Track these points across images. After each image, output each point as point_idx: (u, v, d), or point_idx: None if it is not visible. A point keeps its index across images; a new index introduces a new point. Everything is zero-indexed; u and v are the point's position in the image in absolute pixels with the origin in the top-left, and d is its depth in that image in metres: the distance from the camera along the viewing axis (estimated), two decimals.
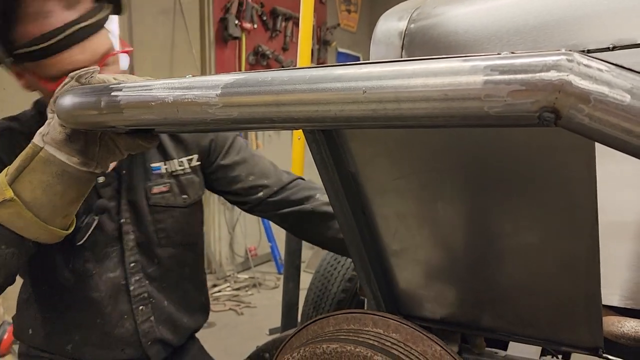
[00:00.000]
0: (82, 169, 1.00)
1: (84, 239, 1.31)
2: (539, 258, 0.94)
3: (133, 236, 1.41)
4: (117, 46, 1.24)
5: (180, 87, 0.68)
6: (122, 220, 1.39)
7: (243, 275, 6.17)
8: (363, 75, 0.55)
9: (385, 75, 0.54)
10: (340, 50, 8.27)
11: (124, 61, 1.28)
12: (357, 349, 0.79)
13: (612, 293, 1.11)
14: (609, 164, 1.09)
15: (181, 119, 0.69)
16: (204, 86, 0.66)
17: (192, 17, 5.84)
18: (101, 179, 1.36)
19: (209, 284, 5.52)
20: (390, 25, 1.38)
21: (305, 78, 0.59)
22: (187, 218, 1.50)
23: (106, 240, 1.38)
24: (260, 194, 1.51)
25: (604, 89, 0.44)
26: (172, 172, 1.45)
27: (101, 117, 0.78)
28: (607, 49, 1.05)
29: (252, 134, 6.53)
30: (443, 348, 0.82)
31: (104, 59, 1.20)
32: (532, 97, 0.47)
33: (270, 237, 6.25)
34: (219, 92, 0.64)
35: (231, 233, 6.52)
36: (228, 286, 5.64)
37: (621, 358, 0.99)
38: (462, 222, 0.99)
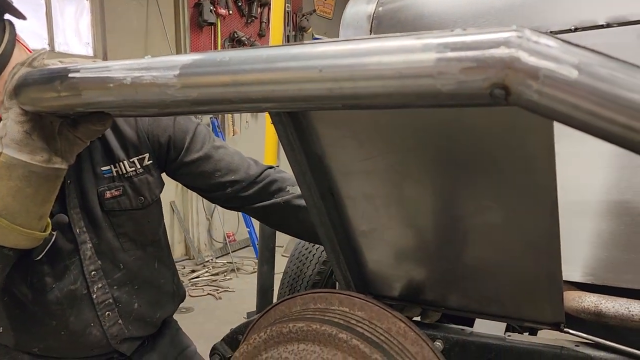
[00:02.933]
0: (48, 166, 0.96)
1: (42, 254, 1.24)
2: (501, 237, 0.96)
3: (90, 244, 1.35)
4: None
5: (138, 68, 0.67)
6: (77, 231, 1.33)
7: (221, 261, 6.17)
8: (319, 54, 0.55)
9: (341, 54, 0.54)
10: (317, 36, 8.22)
11: None
12: (323, 327, 0.79)
13: (573, 269, 1.14)
14: (571, 144, 1.11)
15: (140, 100, 0.69)
16: (163, 67, 0.65)
17: (166, 3, 5.75)
18: None
19: (188, 269, 5.51)
20: (359, 8, 1.38)
21: (262, 58, 0.58)
22: (147, 218, 1.45)
23: (63, 253, 1.32)
24: (229, 190, 1.45)
25: (552, 65, 0.45)
26: (124, 174, 1.37)
27: (60, 99, 0.77)
28: (570, 31, 1.07)
29: (228, 121, 6.48)
30: (407, 325, 0.83)
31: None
32: (483, 73, 0.47)
33: (248, 223, 6.25)
34: (177, 72, 0.63)
35: (209, 219, 6.50)
36: (206, 271, 5.64)
37: (582, 332, 1.02)
38: (428, 202, 1.00)
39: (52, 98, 0.77)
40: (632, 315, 0.96)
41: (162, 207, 1.56)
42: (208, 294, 4.90)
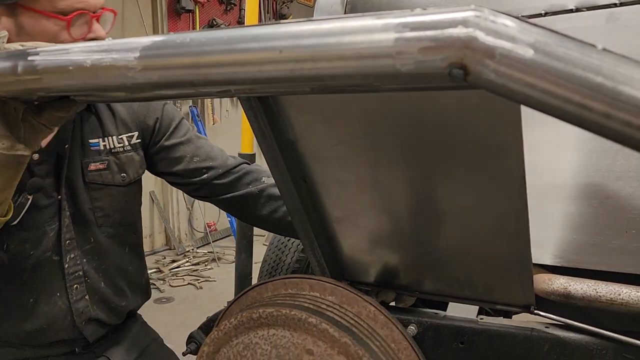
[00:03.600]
0: (10, 153, 0.94)
1: (18, 219, 1.25)
2: (472, 221, 0.97)
3: (69, 213, 1.37)
4: None
5: (98, 50, 0.66)
6: (59, 197, 1.35)
7: (202, 250, 6.14)
8: (280, 34, 0.55)
9: (301, 34, 0.53)
10: None
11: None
12: (292, 312, 0.80)
13: (543, 252, 1.16)
14: (542, 128, 1.12)
15: (101, 84, 0.67)
16: (123, 49, 0.64)
17: None
18: (35, 156, 1.31)
19: (168, 259, 5.48)
20: None
21: (223, 39, 0.57)
22: (125, 197, 1.46)
23: (43, 219, 1.34)
24: (205, 175, 1.49)
25: (508, 45, 0.45)
26: (111, 149, 1.41)
27: (19, 84, 0.75)
28: (540, 15, 1.07)
29: (208, 110, 6.43)
30: (377, 308, 0.84)
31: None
32: (441, 53, 0.47)
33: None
34: (137, 54, 0.62)
35: (190, 209, 6.46)
36: (187, 261, 5.60)
37: (552, 314, 1.03)
38: (400, 187, 1.01)
39: (12, 82, 0.75)
40: (600, 296, 0.98)
41: (141, 193, 1.56)
42: (189, 283, 4.87)
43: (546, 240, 1.16)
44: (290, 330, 0.80)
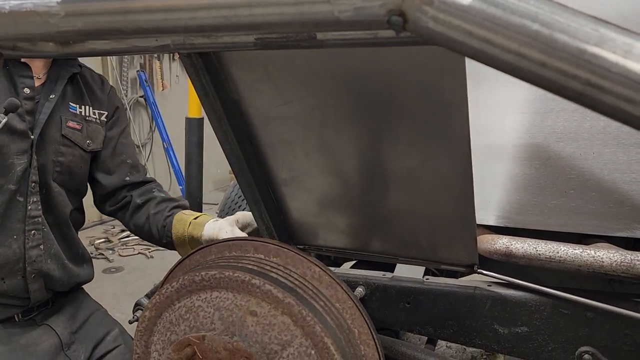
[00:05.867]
0: None
1: None
2: (418, 181, 0.97)
3: (37, 156, 1.41)
4: None
5: None
6: (33, 138, 1.39)
7: None
8: None
9: None
10: None
11: None
12: (236, 274, 0.78)
13: (488, 213, 1.18)
14: (489, 88, 1.13)
15: (23, 32, 0.62)
16: None
17: None
18: (27, 91, 1.39)
19: (117, 229, 5.36)
20: None
21: None
22: (83, 162, 1.54)
23: (14, 150, 1.36)
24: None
25: None
26: (85, 116, 1.54)
27: None
28: None
29: (157, 74, 6.22)
30: (322, 269, 0.83)
31: None
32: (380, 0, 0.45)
33: (180, 181, 6.11)
34: None
35: None
36: None
37: (495, 273, 1.06)
38: (347, 148, 0.99)
39: None
40: (539, 254, 1.01)
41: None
42: (139, 252, 4.77)
43: (490, 201, 1.18)
44: (233, 292, 0.79)
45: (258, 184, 1.11)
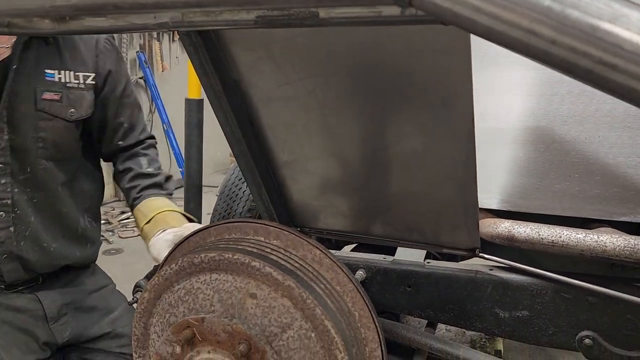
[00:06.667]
0: None
1: None
2: (421, 165, 0.96)
3: (7, 137, 1.34)
4: None
5: None
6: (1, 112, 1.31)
7: None
8: None
9: None
10: None
11: None
12: (235, 256, 0.77)
13: (490, 197, 1.17)
14: (492, 71, 1.11)
15: (17, 7, 0.61)
16: None
17: None
18: None
19: (117, 211, 5.35)
20: None
21: None
22: (69, 133, 1.45)
23: None
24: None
25: None
26: (66, 82, 1.42)
27: None
28: None
29: (157, 56, 6.17)
30: (322, 252, 0.82)
31: None
32: None
33: (180, 163, 6.09)
34: None
35: None
36: None
37: (497, 257, 1.05)
38: (349, 130, 0.98)
39: None
40: (542, 238, 1.00)
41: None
42: (139, 234, 4.78)
43: (493, 185, 1.17)
44: (233, 274, 0.78)
45: (258, 166, 1.10)
